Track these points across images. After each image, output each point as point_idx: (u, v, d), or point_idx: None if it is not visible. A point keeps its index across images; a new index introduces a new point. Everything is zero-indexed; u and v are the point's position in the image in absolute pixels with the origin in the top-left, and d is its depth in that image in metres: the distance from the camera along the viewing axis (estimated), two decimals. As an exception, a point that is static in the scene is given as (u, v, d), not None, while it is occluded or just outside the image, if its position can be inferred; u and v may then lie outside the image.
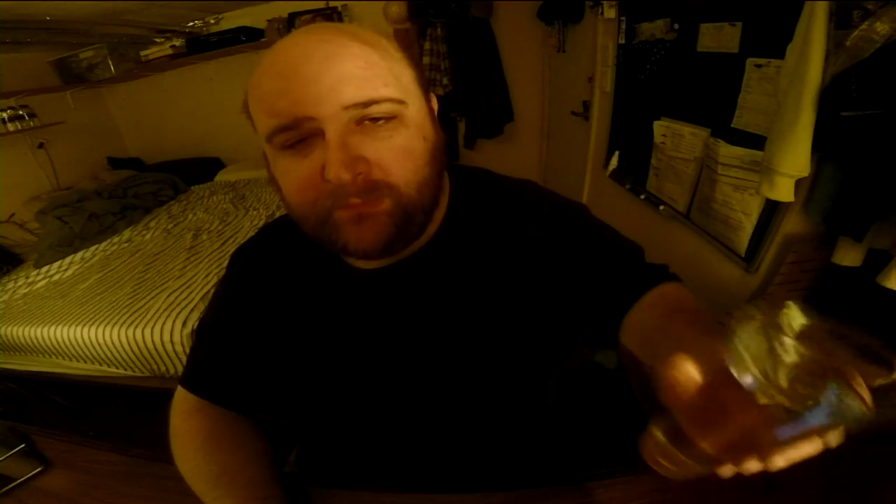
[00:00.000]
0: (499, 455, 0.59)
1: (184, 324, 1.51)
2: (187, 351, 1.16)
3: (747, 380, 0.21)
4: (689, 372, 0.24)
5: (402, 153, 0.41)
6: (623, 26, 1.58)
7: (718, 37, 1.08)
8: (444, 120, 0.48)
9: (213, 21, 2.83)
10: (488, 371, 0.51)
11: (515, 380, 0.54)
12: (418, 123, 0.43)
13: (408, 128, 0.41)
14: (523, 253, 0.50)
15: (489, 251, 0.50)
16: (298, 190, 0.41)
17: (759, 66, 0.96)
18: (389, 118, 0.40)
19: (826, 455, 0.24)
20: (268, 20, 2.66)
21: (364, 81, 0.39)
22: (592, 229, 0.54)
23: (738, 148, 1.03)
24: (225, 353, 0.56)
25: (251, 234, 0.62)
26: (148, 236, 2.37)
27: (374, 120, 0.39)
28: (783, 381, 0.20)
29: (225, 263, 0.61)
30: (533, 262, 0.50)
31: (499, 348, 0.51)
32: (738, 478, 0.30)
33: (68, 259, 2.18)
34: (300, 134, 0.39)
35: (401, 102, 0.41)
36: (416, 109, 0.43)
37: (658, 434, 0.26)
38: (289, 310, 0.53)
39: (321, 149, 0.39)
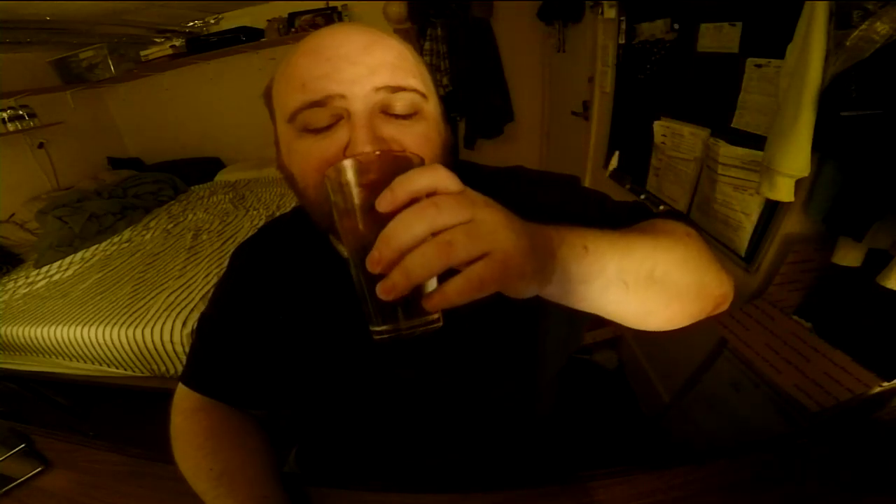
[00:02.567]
0: (498, 455, 0.59)
1: (184, 324, 1.51)
2: (187, 351, 1.17)
3: None
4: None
5: (422, 140, 0.42)
6: (623, 26, 1.57)
7: (718, 37, 1.08)
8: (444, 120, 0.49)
9: (213, 21, 2.83)
10: (489, 366, 0.51)
11: (516, 376, 0.54)
12: (435, 118, 0.45)
13: (427, 121, 0.43)
14: None
15: None
16: (317, 169, 0.40)
17: (759, 66, 0.96)
18: (411, 114, 0.42)
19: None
20: (268, 20, 2.67)
21: (397, 69, 0.41)
22: (587, 192, 0.55)
23: (738, 148, 1.03)
24: (225, 350, 0.56)
25: (251, 233, 0.62)
26: (148, 236, 2.37)
27: (398, 116, 0.41)
28: None
29: (225, 263, 0.61)
30: None
31: (500, 342, 0.51)
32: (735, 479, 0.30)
33: (68, 259, 2.18)
34: (326, 113, 0.39)
35: (423, 96, 0.43)
36: (434, 105, 0.45)
37: None
38: (289, 307, 0.53)
39: (345, 130, 0.40)
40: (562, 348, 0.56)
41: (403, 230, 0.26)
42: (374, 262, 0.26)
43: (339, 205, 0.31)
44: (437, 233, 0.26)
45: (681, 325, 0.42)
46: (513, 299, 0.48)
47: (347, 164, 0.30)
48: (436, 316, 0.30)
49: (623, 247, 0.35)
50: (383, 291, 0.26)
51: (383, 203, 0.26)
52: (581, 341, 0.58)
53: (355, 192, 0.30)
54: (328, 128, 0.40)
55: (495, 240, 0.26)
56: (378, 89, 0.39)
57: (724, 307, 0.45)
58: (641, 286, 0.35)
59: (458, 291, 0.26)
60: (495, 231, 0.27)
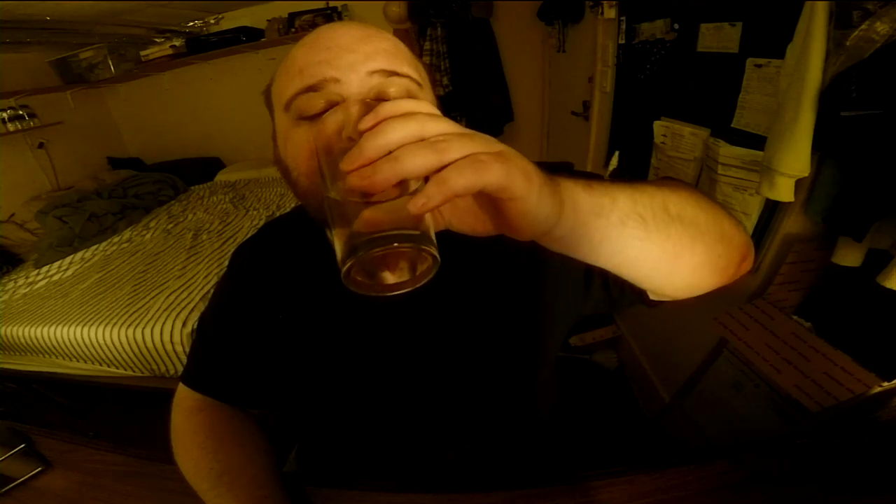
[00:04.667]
0: (498, 455, 0.59)
1: (184, 324, 1.51)
2: (187, 351, 1.16)
3: None
4: None
5: None
6: (623, 26, 1.57)
7: (718, 37, 1.08)
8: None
9: (213, 21, 2.83)
10: (488, 362, 0.51)
11: (515, 376, 0.54)
12: None
13: None
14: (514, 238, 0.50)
15: (482, 241, 0.50)
16: (311, 156, 0.40)
17: (759, 66, 0.96)
18: None
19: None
20: (268, 20, 2.66)
21: (392, 57, 0.41)
22: (581, 173, 0.54)
23: (738, 148, 1.03)
24: (226, 349, 0.56)
25: (251, 233, 0.62)
26: (148, 236, 2.37)
27: None
28: None
29: (225, 263, 0.61)
30: (524, 244, 0.50)
31: (500, 339, 0.51)
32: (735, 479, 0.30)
33: (68, 259, 2.18)
34: (321, 98, 0.39)
35: (419, 84, 0.43)
36: (430, 98, 0.45)
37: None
38: (288, 306, 0.53)
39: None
40: (557, 338, 0.56)
41: (391, 128, 0.23)
42: (352, 158, 0.23)
43: (322, 164, 0.28)
44: None
45: (711, 282, 0.40)
46: (511, 287, 0.49)
47: (330, 113, 0.29)
48: (429, 245, 0.25)
49: (628, 186, 0.33)
50: (360, 176, 0.23)
51: (366, 120, 0.25)
52: (573, 321, 0.55)
53: (339, 143, 0.28)
54: (323, 114, 0.39)
55: (494, 146, 0.25)
56: (372, 73, 0.40)
57: (749, 263, 0.43)
58: (661, 220, 0.33)
59: (458, 170, 0.23)
60: (491, 141, 0.25)
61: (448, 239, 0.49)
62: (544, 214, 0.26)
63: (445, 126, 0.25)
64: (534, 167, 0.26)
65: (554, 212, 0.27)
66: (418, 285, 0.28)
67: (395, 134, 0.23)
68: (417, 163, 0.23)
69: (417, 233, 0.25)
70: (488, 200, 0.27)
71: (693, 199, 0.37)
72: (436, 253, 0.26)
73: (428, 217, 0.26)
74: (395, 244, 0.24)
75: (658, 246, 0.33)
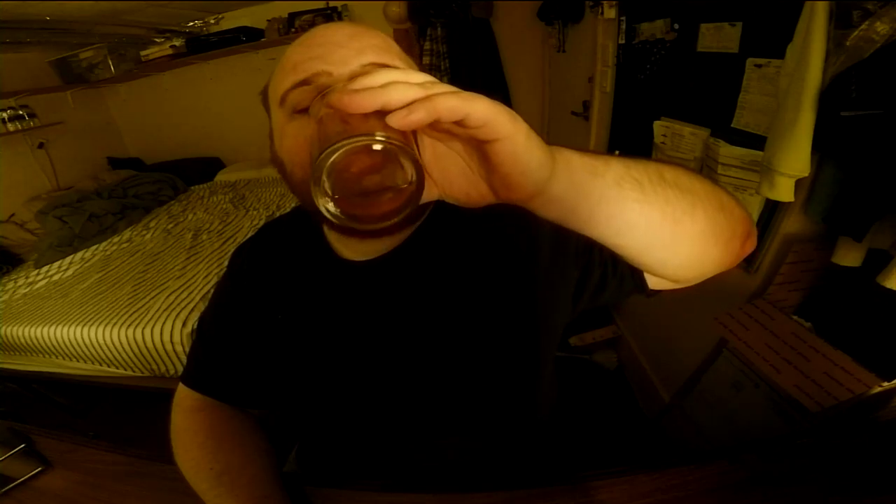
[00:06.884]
0: (498, 455, 0.60)
1: (184, 324, 1.51)
2: (187, 351, 1.16)
3: None
4: None
5: None
6: (623, 26, 1.57)
7: (718, 37, 1.08)
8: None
9: (213, 21, 2.83)
10: (487, 363, 0.51)
11: (514, 373, 0.54)
12: None
13: None
14: (511, 229, 0.50)
15: (479, 234, 0.50)
16: (305, 148, 0.39)
17: (759, 66, 0.96)
18: None
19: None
20: (268, 20, 2.67)
21: (383, 52, 0.42)
22: None
23: (738, 148, 1.03)
24: (225, 349, 0.56)
25: (251, 234, 0.62)
26: (148, 236, 2.37)
27: None
28: None
29: (225, 263, 0.61)
30: (521, 235, 0.50)
31: (497, 335, 0.51)
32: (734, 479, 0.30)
33: (68, 259, 2.18)
34: (314, 92, 0.39)
35: None
36: None
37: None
38: (287, 305, 0.53)
39: None
40: (555, 333, 0.56)
41: (379, 73, 0.24)
42: (339, 93, 0.24)
43: (317, 124, 0.28)
44: None
45: (716, 255, 0.38)
46: (504, 283, 0.48)
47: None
48: (409, 147, 0.24)
49: (619, 156, 0.32)
50: (342, 92, 0.23)
51: (357, 82, 0.26)
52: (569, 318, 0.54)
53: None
54: None
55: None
56: (364, 66, 0.40)
57: (753, 241, 0.41)
58: (657, 185, 0.32)
59: (444, 95, 0.23)
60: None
61: (446, 232, 0.49)
62: (536, 162, 0.26)
63: (431, 78, 0.26)
64: (520, 117, 0.26)
65: (546, 163, 0.27)
66: (407, 210, 0.27)
67: (382, 77, 0.24)
68: (401, 92, 0.23)
69: (396, 135, 0.24)
70: (478, 154, 0.27)
71: (687, 171, 0.36)
72: (417, 156, 0.24)
73: (410, 138, 0.26)
74: (378, 136, 0.23)
75: (657, 210, 0.32)
